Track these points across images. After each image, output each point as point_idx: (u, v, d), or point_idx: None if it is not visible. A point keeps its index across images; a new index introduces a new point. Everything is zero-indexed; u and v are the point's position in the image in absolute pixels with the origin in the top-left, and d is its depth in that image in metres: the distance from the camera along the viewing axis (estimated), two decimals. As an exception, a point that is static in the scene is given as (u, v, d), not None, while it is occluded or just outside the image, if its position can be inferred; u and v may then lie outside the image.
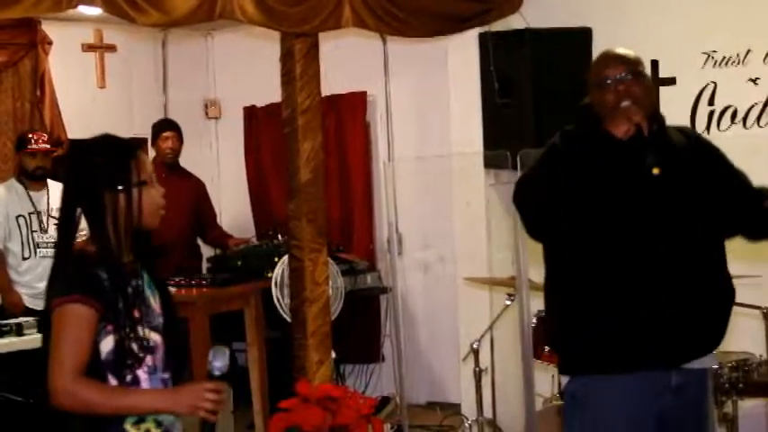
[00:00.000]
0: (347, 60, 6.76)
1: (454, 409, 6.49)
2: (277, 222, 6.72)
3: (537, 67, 5.73)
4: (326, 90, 5.60)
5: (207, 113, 8.02)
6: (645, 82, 3.23)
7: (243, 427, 6.34)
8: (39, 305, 5.62)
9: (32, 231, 5.91)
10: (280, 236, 6.47)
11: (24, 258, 5.90)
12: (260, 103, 7.55)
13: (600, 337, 3.19)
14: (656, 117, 3.25)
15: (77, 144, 2.94)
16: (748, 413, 4.82)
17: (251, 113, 7.74)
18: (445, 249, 6.71)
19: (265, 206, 7.61)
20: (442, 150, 6.37)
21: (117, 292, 2.68)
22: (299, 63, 5.20)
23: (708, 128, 5.59)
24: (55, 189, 6.01)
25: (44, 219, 5.95)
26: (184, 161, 6.75)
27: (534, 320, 5.00)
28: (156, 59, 7.68)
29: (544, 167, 3.19)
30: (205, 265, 6.89)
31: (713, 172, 3.27)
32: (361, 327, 7.03)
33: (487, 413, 5.65)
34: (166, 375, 2.79)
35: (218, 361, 2.74)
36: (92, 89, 7.26)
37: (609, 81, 3.18)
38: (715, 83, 5.62)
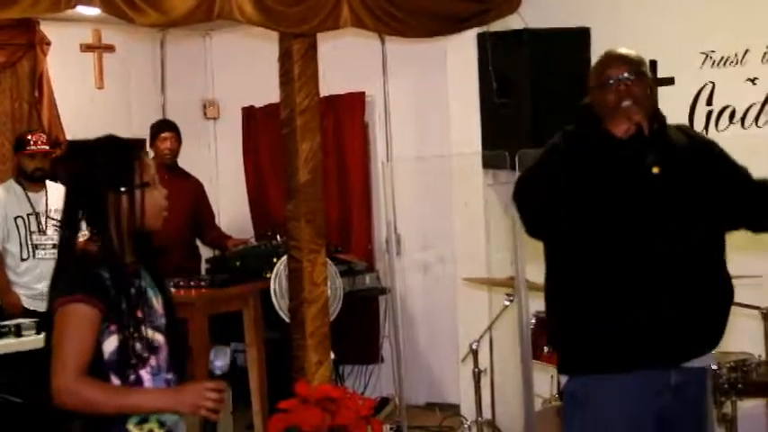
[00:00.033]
0: (346, 61, 6.76)
1: (453, 409, 6.49)
2: (275, 223, 6.71)
3: (535, 67, 5.73)
4: (325, 90, 5.59)
5: (205, 114, 8.01)
6: (646, 82, 3.23)
7: (242, 428, 6.34)
8: (37, 306, 5.67)
9: (31, 233, 5.91)
10: (278, 236, 6.46)
11: (23, 259, 5.89)
12: (258, 104, 7.55)
13: (599, 337, 3.20)
14: (656, 117, 3.25)
15: (81, 145, 2.95)
16: (747, 413, 4.82)
17: (249, 114, 7.73)
18: (444, 250, 6.71)
19: (264, 207, 7.61)
20: (441, 150, 6.37)
21: (120, 292, 2.70)
22: (297, 63, 5.20)
23: (706, 128, 5.59)
24: (53, 190, 6.00)
25: (43, 220, 5.95)
26: (183, 162, 6.75)
27: (533, 321, 5.00)
28: (155, 60, 7.68)
29: (544, 167, 3.19)
30: (204, 266, 6.89)
31: (713, 170, 3.27)
32: (360, 327, 7.03)
33: (486, 414, 5.64)
34: (170, 376, 2.80)
35: (220, 360, 2.76)
36: (90, 89, 7.26)
37: (611, 81, 3.19)
38: (713, 83, 5.62)
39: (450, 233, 6.35)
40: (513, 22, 5.96)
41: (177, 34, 7.53)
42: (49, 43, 6.74)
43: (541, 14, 5.88)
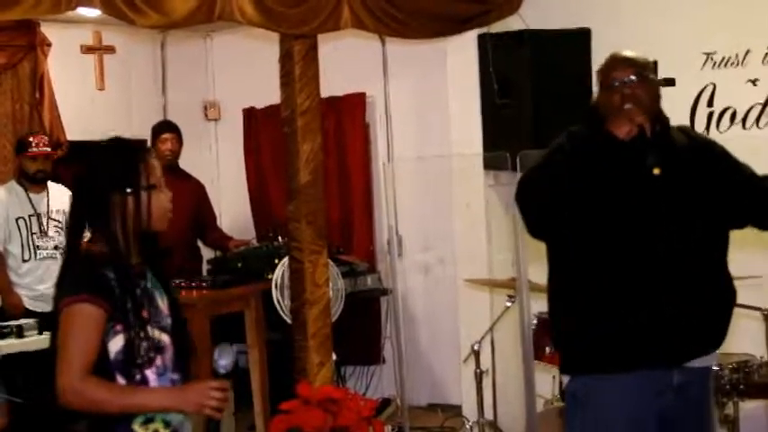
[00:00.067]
0: (346, 62, 6.76)
1: (455, 410, 6.49)
2: (277, 224, 6.71)
3: (536, 68, 5.73)
4: (326, 91, 5.59)
5: (206, 115, 8.01)
6: (651, 85, 3.26)
7: (244, 429, 6.34)
8: (39, 307, 5.68)
9: (32, 234, 5.91)
10: (280, 237, 6.46)
11: (24, 260, 5.89)
12: (259, 105, 7.55)
13: (600, 337, 3.21)
14: (659, 118, 3.26)
15: (88, 146, 2.97)
16: (749, 414, 4.83)
17: (250, 115, 7.73)
18: (445, 251, 6.71)
19: (265, 208, 7.61)
20: (442, 151, 6.37)
21: (126, 292, 2.71)
22: (298, 64, 5.20)
23: (707, 129, 5.59)
24: (55, 191, 6.01)
25: (44, 221, 5.95)
26: (184, 163, 6.75)
27: (535, 322, 5.00)
28: (156, 61, 7.68)
29: (548, 167, 3.20)
30: (205, 267, 6.89)
31: (714, 170, 3.28)
32: (362, 328, 7.03)
33: (488, 414, 5.65)
34: (176, 376, 2.81)
35: (224, 359, 2.79)
36: (91, 91, 7.26)
37: (616, 83, 3.22)
38: (714, 84, 5.62)
39: (451, 234, 6.35)
40: (513, 23, 5.96)
41: (178, 35, 7.53)
42: (49, 44, 6.74)
43: (542, 15, 5.88)
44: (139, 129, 6.81)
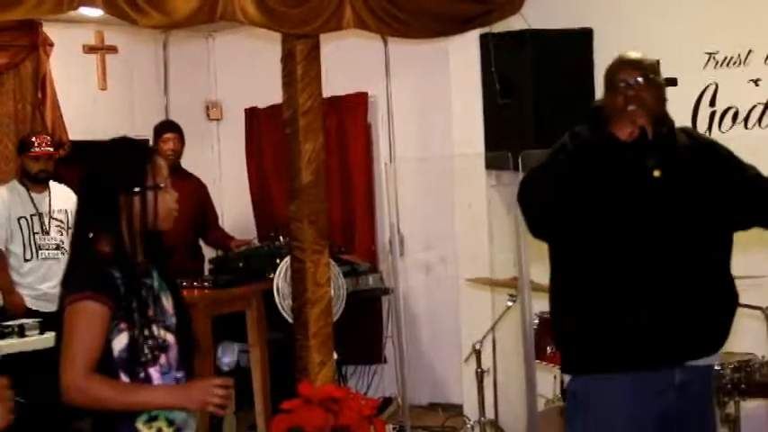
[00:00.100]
0: (348, 61, 6.77)
1: (456, 409, 6.49)
2: (278, 224, 6.72)
3: (538, 67, 5.73)
4: (328, 91, 5.60)
5: (208, 115, 8.02)
6: (656, 87, 3.25)
7: (245, 428, 6.35)
8: (41, 307, 5.68)
9: (34, 233, 5.92)
10: (281, 237, 6.47)
11: (26, 260, 5.90)
12: (261, 105, 7.55)
13: (602, 337, 3.21)
14: (664, 120, 3.26)
15: (95, 146, 2.99)
16: (750, 414, 4.82)
17: (252, 115, 7.74)
18: (447, 250, 6.71)
19: (267, 207, 7.61)
20: (444, 151, 6.38)
21: (131, 291, 2.73)
22: (300, 64, 5.20)
23: (709, 129, 5.59)
24: (57, 191, 6.02)
25: (46, 221, 5.95)
26: (186, 163, 6.75)
27: (536, 321, 5.00)
28: (158, 61, 7.69)
29: (551, 167, 3.20)
30: (207, 267, 6.89)
31: (716, 171, 3.28)
32: (363, 328, 7.03)
33: (489, 414, 5.65)
34: (180, 374, 2.82)
35: (227, 357, 2.80)
36: (93, 91, 7.27)
37: (621, 84, 3.22)
38: (716, 84, 5.61)
39: (453, 234, 6.36)
40: (515, 23, 5.96)
41: (180, 35, 7.54)
42: (51, 44, 6.75)
43: (544, 15, 5.88)
44: (142, 129, 6.82)
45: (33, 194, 5.96)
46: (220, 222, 7.10)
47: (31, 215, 5.93)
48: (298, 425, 4.64)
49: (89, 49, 7.24)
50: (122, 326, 2.70)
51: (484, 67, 5.95)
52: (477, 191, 6.11)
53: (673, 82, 5.69)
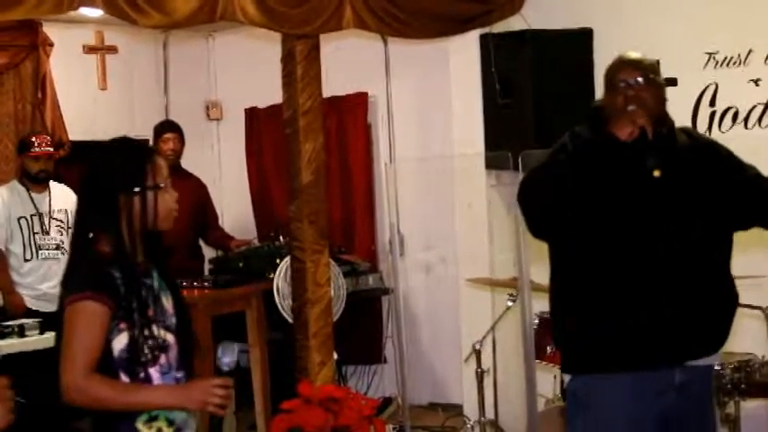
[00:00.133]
0: (348, 61, 6.77)
1: (456, 409, 6.49)
2: (279, 224, 6.72)
3: (538, 68, 5.73)
4: (328, 91, 5.60)
5: (208, 115, 8.02)
6: (656, 88, 3.25)
7: (245, 428, 6.35)
8: (41, 307, 5.68)
9: (34, 233, 5.92)
10: (281, 237, 6.47)
11: (26, 260, 5.90)
12: (261, 105, 7.55)
13: (601, 337, 3.21)
14: (664, 121, 3.26)
15: (96, 145, 3.00)
16: (750, 414, 4.82)
17: (252, 115, 7.74)
18: (447, 250, 6.71)
19: (267, 207, 7.61)
20: (444, 151, 6.38)
21: (131, 291, 2.72)
22: (300, 64, 5.20)
23: (709, 129, 5.59)
24: (57, 191, 6.02)
25: (46, 221, 5.95)
26: (186, 163, 6.75)
27: (536, 321, 5.00)
28: (158, 61, 7.69)
29: (551, 167, 3.20)
30: (207, 267, 6.89)
31: (716, 171, 3.28)
32: (363, 328, 7.03)
33: (489, 414, 5.65)
34: (180, 374, 2.83)
35: (228, 357, 2.80)
36: (93, 91, 7.27)
37: (621, 84, 3.21)
38: (716, 84, 5.61)
39: (453, 234, 6.36)
40: (515, 23, 5.96)
41: (180, 35, 7.54)
42: (51, 44, 6.75)
43: (544, 15, 5.88)
44: (141, 129, 6.82)
45: (33, 194, 5.96)
46: (220, 222, 7.10)
47: (31, 215, 5.93)
48: (298, 425, 4.64)
49: (89, 50, 7.24)
50: (122, 326, 2.70)
51: (484, 67, 5.95)
52: (477, 191, 6.11)
53: (673, 82, 5.70)
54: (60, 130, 6.71)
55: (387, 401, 6.67)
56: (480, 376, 5.44)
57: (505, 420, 5.77)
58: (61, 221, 5.97)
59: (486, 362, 5.52)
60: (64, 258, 5.74)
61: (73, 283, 2.73)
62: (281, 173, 6.58)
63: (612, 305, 3.18)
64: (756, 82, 5.51)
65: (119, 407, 2.68)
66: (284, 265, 5.73)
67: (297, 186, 5.26)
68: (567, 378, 3.38)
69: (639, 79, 3.21)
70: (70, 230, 5.85)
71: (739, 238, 3.37)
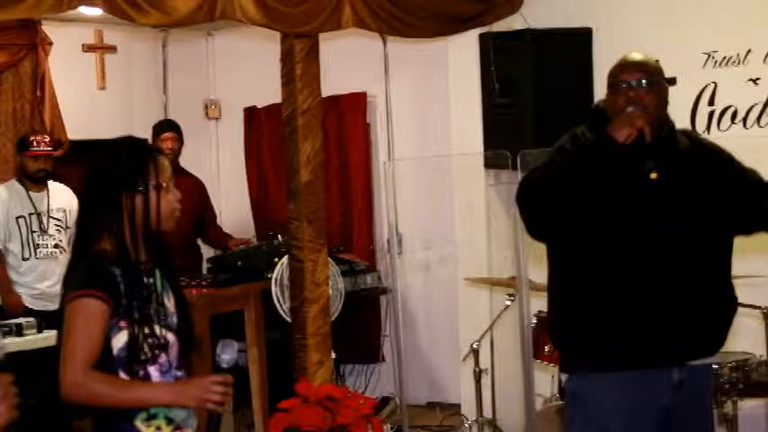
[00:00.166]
0: (347, 61, 6.76)
1: (454, 409, 6.49)
2: (277, 223, 6.72)
3: (537, 67, 5.73)
4: (327, 90, 5.59)
5: (207, 114, 8.02)
6: (658, 90, 3.23)
7: (243, 427, 6.35)
8: (39, 305, 5.68)
9: (32, 232, 5.91)
10: (280, 236, 6.46)
11: (24, 259, 5.89)
12: (260, 104, 7.55)
13: (600, 337, 3.21)
14: (664, 123, 3.25)
15: (98, 144, 3.00)
16: (748, 413, 4.83)
17: (251, 114, 7.74)
18: (445, 250, 6.72)
19: (265, 207, 7.62)
20: (443, 151, 6.38)
21: (131, 289, 2.72)
22: (299, 63, 5.20)
23: (708, 128, 5.59)
24: (56, 190, 6.01)
25: (44, 220, 5.95)
26: (185, 161, 6.75)
27: (534, 320, 5.00)
28: (157, 60, 7.69)
29: (549, 169, 3.19)
30: (205, 266, 6.89)
31: (716, 174, 3.27)
32: (362, 327, 7.03)
33: (487, 413, 5.65)
34: (180, 373, 2.83)
35: (227, 354, 2.80)
36: (92, 90, 7.26)
37: (623, 85, 3.20)
38: (715, 83, 5.62)
39: (452, 233, 6.36)
40: (515, 23, 5.97)
41: (179, 34, 7.53)
42: (50, 43, 6.74)
43: (544, 15, 5.88)
44: (140, 128, 6.79)
45: (32, 193, 5.96)
46: (219, 221, 7.09)
47: (30, 214, 5.92)
48: (295, 424, 4.64)
49: (88, 48, 7.23)
50: (122, 324, 2.70)
51: (483, 66, 5.95)
52: (477, 190, 6.11)
53: (672, 81, 5.70)
54: (59, 129, 6.70)
55: (385, 401, 6.67)
56: (478, 375, 5.44)
57: (503, 419, 5.76)
58: (60, 221, 5.96)
59: (485, 361, 5.52)
60: (62, 257, 5.76)
61: (73, 281, 2.73)
62: (280, 172, 6.58)
63: (611, 305, 3.18)
64: (755, 81, 5.51)
65: (117, 404, 2.69)
66: (282, 264, 5.73)
67: (295, 185, 5.26)
68: (564, 377, 3.38)
69: (642, 81, 3.19)
70: (69, 230, 5.91)
71: (738, 238, 3.37)
